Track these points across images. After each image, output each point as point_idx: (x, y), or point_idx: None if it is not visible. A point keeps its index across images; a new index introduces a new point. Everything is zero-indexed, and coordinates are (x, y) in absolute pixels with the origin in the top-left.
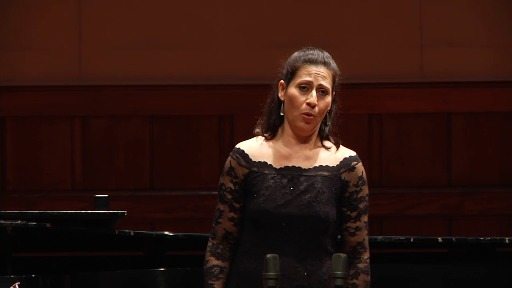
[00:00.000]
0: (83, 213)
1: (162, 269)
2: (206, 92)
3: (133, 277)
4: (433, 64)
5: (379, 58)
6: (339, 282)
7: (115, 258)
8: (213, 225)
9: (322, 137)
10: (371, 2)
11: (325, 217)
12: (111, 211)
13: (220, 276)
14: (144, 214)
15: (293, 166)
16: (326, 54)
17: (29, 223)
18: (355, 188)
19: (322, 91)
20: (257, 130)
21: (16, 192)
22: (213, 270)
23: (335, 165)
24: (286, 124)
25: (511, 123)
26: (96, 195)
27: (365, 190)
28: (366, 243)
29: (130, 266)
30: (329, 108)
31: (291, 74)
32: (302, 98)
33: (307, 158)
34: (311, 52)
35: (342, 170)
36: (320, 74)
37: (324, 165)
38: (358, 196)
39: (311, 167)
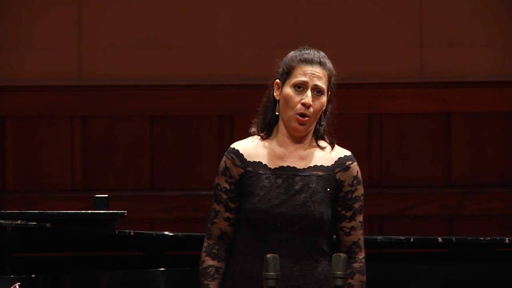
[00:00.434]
0: (83, 213)
1: (162, 269)
2: (206, 92)
3: (133, 277)
4: (433, 64)
5: (379, 58)
6: (339, 282)
7: (115, 258)
8: (209, 225)
9: (317, 137)
10: (371, 2)
11: (320, 217)
12: (111, 211)
13: (215, 276)
14: (144, 214)
15: (288, 166)
16: (322, 54)
17: (29, 223)
18: (350, 188)
19: (317, 91)
20: (253, 129)
21: (16, 192)
22: (208, 270)
23: (330, 164)
24: (281, 124)
25: (511, 123)
26: (96, 195)
27: (360, 190)
28: (362, 242)
29: (130, 266)
30: (324, 108)
31: (287, 74)
32: (297, 98)
33: (302, 158)
34: (307, 51)
35: (337, 169)
36: (315, 74)
37: (319, 165)
38: (353, 195)
39: (306, 167)
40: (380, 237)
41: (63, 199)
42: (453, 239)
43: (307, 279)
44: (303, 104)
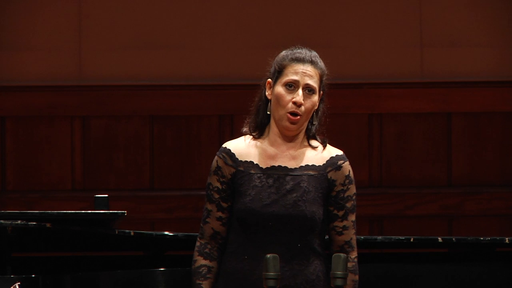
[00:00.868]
0: (83, 213)
1: (162, 269)
2: (206, 92)
3: (133, 277)
4: (433, 64)
5: (379, 58)
6: (339, 282)
7: (115, 258)
8: (201, 224)
9: (309, 136)
10: (371, 2)
11: (311, 216)
12: (111, 211)
13: (208, 276)
14: (144, 214)
15: (279, 166)
16: (313, 53)
17: (29, 223)
18: (342, 187)
19: (308, 90)
20: (245, 129)
21: (16, 192)
22: (201, 270)
23: (321, 164)
24: (272, 123)
25: (511, 123)
26: (96, 195)
27: (352, 189)
28: (354, 242)
29: (130, 266)
30: (316, 107)
31: (278, 73)
32: (289, 97)
33: (294, 157)
34: (299, 51)
35: (329, 169)
36: (306, 73)
37: (310, 164)
38: (345, 195)
39: (297, 167)
40: (380, 237)
41: (63, 199)
42: (453, 239)
43: (299, 279)
44: (294, 103)
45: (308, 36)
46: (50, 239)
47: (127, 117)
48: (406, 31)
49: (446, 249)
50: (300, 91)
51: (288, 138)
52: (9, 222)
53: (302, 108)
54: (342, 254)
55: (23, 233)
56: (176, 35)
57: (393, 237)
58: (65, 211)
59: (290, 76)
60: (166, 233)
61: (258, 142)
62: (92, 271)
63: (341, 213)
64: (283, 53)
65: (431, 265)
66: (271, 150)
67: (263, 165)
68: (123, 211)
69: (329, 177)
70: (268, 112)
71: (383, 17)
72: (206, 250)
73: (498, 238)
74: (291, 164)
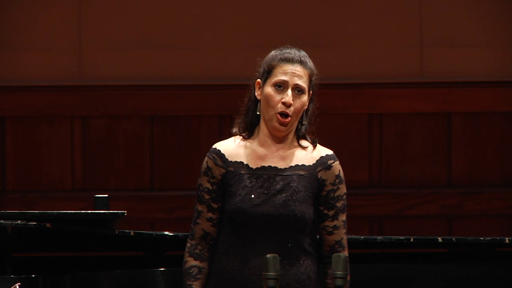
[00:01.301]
0: (83, 213)
1: (162, 269)
2: (206, 92)
3: (133, 277)
4: (433, 64)
5: (379, 58)
6: (339, 282)
7: (115, 258)
8: (192, 225)
9: (299, 136)
10: (371, 2)
11: (301, 216)
12: (111, 211)
13: (198, 276)
14: (144, 214)
15: (269, 166)
16: (302, 53)
17: (29, 223)
18: (332, 187)
19: (298, 90)
20: (235, 129)
21: (16, 192)
22: (191, 271)
23: (311, 164)
24: (262, 124)
25: (511, 123)
26: (96, 195)
27: (343, 189)
28: (345, 242)
29: (130, 266)
30: (305, 107)
31: (267, 73)
32: (278, 97)
33: (283, 157)
34: (288, 51)
35: (319, 169)
36: (296, 73)
37: (300, 164)
38: (335, 194)
39: (287, 167)
40: (380, 237)
41: (63, 199)
42: (453, 239)
43: (290, 279)
44: (284, 103)
45: (308, 36)
46: (50, 239)
47: (127, 117)
48: (406, 31)
49: (446, 249)
50: (289, 92)
51: (278, 138)
52: (9, 222)
53: (292, 108)
54: (342, 254)
55: (23, 233)
56: (176, 35)
57: (393, 237)
58: (65, 211)
59: (279, 76)
60: (166, 233)
61: (248, 143)
62: (92, 271)
63: (331, 212)
64: (272, 53)
65: (431, 265)
66: (261, 150)
67: (253, 166)
68: (123, 211)
69: (319, 177)
70: (258, 113)
71: (383, 17)
72: (197, 251)
73: (498, 238)
74: (281, 164)
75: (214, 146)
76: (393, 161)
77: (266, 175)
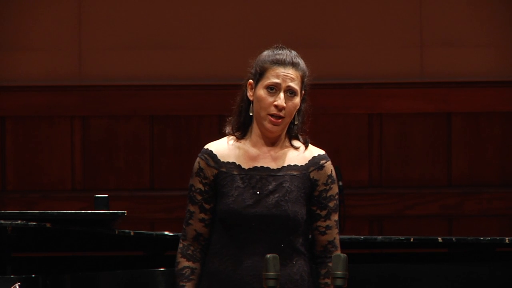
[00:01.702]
0: (83, 213)
1: (162, 269)
2: (206, 92)
3: (133, 277)
4: (433, 64)
5: (379, 58)
6: (339, 282)
7: (115, 258)
8: (184, 226)
9: (291, 136)
10: (371, 2)
11: (294, 216)
12: (111, 211)
13: (191, 277)
14: (144, 214)
15: (262, 167)
16: (294, 53)
17: (29, 223)
18: (325, 187)
19: (290, 92)
20: (228, 129)
21: (16, 192)
22: (184, 272)
23: (303, 164)
24: (254, 124)
25: (511, 123)
26: (96, 195)
27: (335, 189)
28: (337, 242)
29: (130, 266)
30: (297, 108)
31: (260, 75)
32: (270, 99)
33: (276, 158)
34: (280, 52)
35: (311, 169)
36: (288, 75)
37: (292, 164)
38: (328, 194)
39: (280, 167)
40: (380, 237)
41: (63, 199)
42: (453, 239)
43: (283, 279)
44: (276, 106)
45: (308, 36)
46: (50, 239)
47: (127, 117)
48: (406, 31)
49: (446, 249)
50: (281, 94)
51: (270, 139)
52: (9, 222)
53: (284, 110)
54: (342, 254)
55: (23, 233)
56: (176, 35)
57: (393, 237)
58: (65, 211)
59: (271, 79)
60: (166, 233)
61: (240, 143)
62: (92, 271)
63: (324, 212)
64: (264, 54)
65: (431, 265)
66: (253, 151)
67: (245, 166)
68: (123, 211)
69: (311, 177)
70: (250, 114)
71: (383, 17)
72: (189, 251)
73: (498, 238)
74: (273, 165)
75: (206, 147)
76: (393, 161)
77: (258, 175)
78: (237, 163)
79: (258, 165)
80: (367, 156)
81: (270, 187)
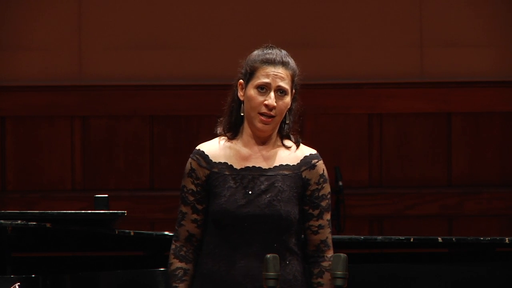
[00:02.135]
0: (83, 213)
1: (162, 269)
2: (206, 92)
3: (133, 277)
4: (433, 64)
5: (379, 58)
6: (339, 282)
7: (115, 258)
8: (176, 227)
9: (282, 136)
10: (371, 2)
11: (286, 215)
12: (111, 211)
13: (184, 278)
14: (144, 214)
15: (254, 166)
16: (284, 53)
17: (29, 223)
18: (317, 186)
19: (280, 91)
20: (219, 130)
21: (16, 192)
22: (177, 273)
23: (295, 163)
24: (246, 124)
25: (511, 123)
26: (96, 195)
27: (327, 188)
28: (330, 241)
29: (130, 266)
30: (288, 107)
31: (250, 75)
32: (261, 99)
33: (267, 158)
34: (269, 51)
35: (303, 168)
36: (278, 75)
37: (284, 164)
38: (320, 194)
39: (272, 167)
40: (380, 237)
41: (63, 199)
42: (453, 239)
43: None
44: (266, 106)
45: (308, 36)
46: (50, 239)
47: (127, 117)
48: (406, 31)
49: (446, 249)
50: (272, 94)
51: (262, 138)
52: (9, 222)
53: (275, 110)
54: (342, 254)
55: (23, 233)
56: (176, 35)
57: (393, 237)
58: (65, 211)
59: (261, 79)
60: (166, 233)
61: (231, 143)
62: (92, 271)
63: (316, 212)
64: (254, 54)
65: (431, 265)
66: (244, 151)
67: (237, 166)
68: (123, 211)
69: (303, 176)
70: (241, 114)
71: (383, 17)
72: (182, 252)
73: (498, 238)
74: (265, 165)
75: (197, 147)
76: (393, 161)
77: (250, 175)
78: (229, 163)
79: (250, 165)
80: (367, 156)
81: (262, 187)
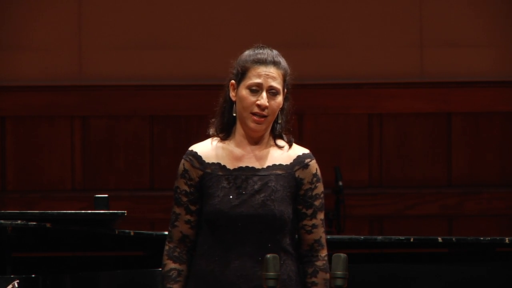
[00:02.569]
0: (83, 213)
1: None
2: (206, 92)
3: (133, 277)
4: (433, 64)
5: (379, 58)
6: (339, 282)
7: (115, 258)
8: (170, 228)
9: (275, 135)
10: (371, 2)
11: (280, 215)
12: (111, 211)
13: (178, 279)
14: (144, 214)
15: (247, 167)
16: (275, 52)
17: (29, 223)
18: (310, 186)
19: (272, 91)
20: (211, 131)
21: (16, 192)
22: (171, 274)
23: (288, 163)
24: (238, 125)
25: (511, 123)
26: (96, 195)
27: (320, 188)
28: (323, 240)
29: (130, 266)
30: (280, 106)
31: (241, 75)
32: (253, 99)
33: (260, 158)
34: (261, 51)
35: (296, 168)
36: (270, 75)
37: (277, 163)
38: (313, 193)
39: (265, 167)
40: (380, 237)
41: (63, 199)
42: (453, 239)
43: None
44: (259, 106)
45: (308, 36)
46: (50, 239)
47: (127, 117)
48: (406, 31)
49: (446, 249)
50: (264, 94)
51: (254, 138)
52: (9, 222)
53: (267, 110)
54: (342, 254)
55: (23, 233)
56: (176, 35)
57: (393, 237)
58: (65, 211)
59: (253, 79)
60: (166, 233)
61: (224, 144)
62: (92, 271)
63: (309, 211)
64: (245, 54)
65: (431, 265)
66: (237, 151)
67: (230, 167)
68: (123, 211)
69: (296, 176)
70: (234, 114)
71: (383, 17)
72: (175, 253)
73: (498, 238)
74: (258, 164)
75: (190, 148)
76: (393, 161)
77: (243, 175)
78: (222, 164)
79: (243, 165)
80: (367, 156)
81: (256, 186)
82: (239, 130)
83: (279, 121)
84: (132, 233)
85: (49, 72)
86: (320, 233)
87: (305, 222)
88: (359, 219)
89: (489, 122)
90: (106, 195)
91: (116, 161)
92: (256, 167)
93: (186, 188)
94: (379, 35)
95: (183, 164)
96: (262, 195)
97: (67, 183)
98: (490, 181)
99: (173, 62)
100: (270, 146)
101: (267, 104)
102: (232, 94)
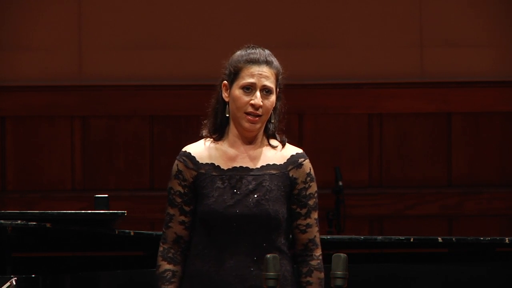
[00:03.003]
0: (83, 213)
1: None
2: (206, 92)
3: (133, 277)
4: (433, 64)
5: (379, 58)
6: (339, 282)
7: (115, 258)
8: (164, 229)
9: (268, 135)
10: (371, 2)
11: (275, 215)
12: (111, 211)
13: (172, 280)
14: (144, 214)
15: (241, 167)
16: (267, 52)
17: (29, 223)
18: (304, 185)
19: (266, 91)
20: (204, 132)
21: (16, 192)
22: (165, 275)
23: (282, 163)
24: (232, 125)
25: (511, 123)
26: (96, 195)
27: (314, 187)
28: (318, 240)
29: (130, 266)
30: (274, 105)
31: (234, 75)
32: (246, 99)
33: (254, 158)
34: (253, 51)
35: (290, 167)
36: (263, 74)
37: (271, 163)
38: (307, 193)
39: (259, 166)
40: (380, 237)
41: (63, 199)
42: (453, 239)
43: None
44: (253, 105)
45: (308, 36)
46: (50, 239)
47: (127, 117)
48: (406, 31)
49: (446, 249)
50: (257, 94)
51: (248, 138)
52: (9, 222)
53: (261, 109)
54: (342, 254)
55: (23, 233)
56: (176, 35)
57: (393, 237)
58: (65, 211)
59: (246, 79)
60: None
61: (217, 144)
62: (92, 271)
63: (304, 211)
64: (237, 54)
65: (431, 265)
66: (231, 151)
67: (224, 167)
68: (123, 211)
69: (290, 175)
70: (227, 115)
71: (383, 17)
72: (170, 254)
73: (498, 238)
74: (252, 164)
75: (184, 149)
76: (393, 161)
77: (238, 175)
78: (216, 164)
79: (237, 165)
80: (367, 156)
81: (250, 186)
82: (232, 130)
83: (272, 121)
84: (132, 233)
85: (49, 72)
86: (315, 233)
87: (299, 221)
88: (359, 219)
89: (489, 122)
90: (106, 195)
91: (116, 161)
92: (250, 167)
93: (180, 189)
94: (379, 35)
95: (177, 165)
96: (257, 195)
97: (67, 183)
98: (490, 181)
99: (173, 62)
100: (264, 146)
101: (261, 103)
102: (224, 94)
